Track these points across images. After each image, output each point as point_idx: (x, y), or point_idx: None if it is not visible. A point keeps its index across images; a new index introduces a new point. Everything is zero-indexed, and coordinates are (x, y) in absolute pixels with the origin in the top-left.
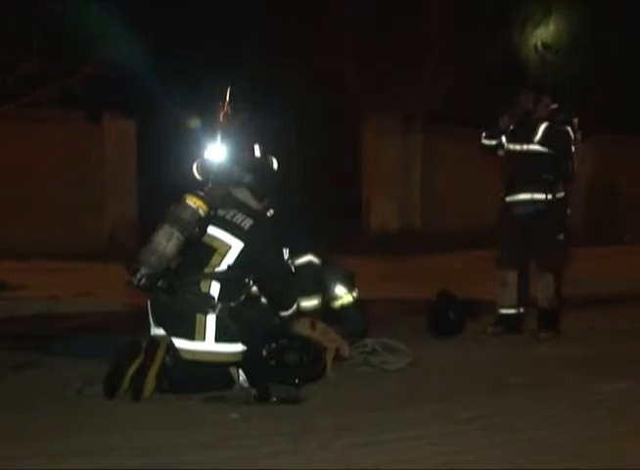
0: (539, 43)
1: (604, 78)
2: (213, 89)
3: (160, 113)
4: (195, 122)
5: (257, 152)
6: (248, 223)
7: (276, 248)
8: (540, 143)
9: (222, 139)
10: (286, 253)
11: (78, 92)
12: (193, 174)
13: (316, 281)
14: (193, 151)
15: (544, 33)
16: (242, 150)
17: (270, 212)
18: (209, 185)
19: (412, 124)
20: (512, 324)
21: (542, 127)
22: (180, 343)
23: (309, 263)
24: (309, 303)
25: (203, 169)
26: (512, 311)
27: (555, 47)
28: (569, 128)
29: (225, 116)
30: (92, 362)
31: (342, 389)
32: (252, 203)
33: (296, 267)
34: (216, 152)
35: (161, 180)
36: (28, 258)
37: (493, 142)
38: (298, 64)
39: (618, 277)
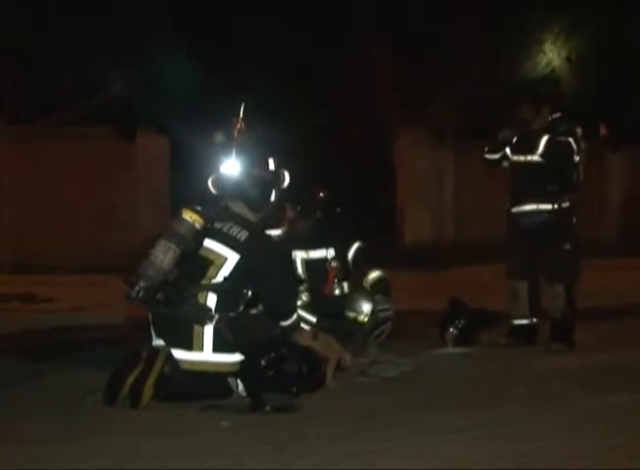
0: (572, 55)
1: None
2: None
3: (193, 129)
4: (219, 137)
5: (272, 166)
6: (243, 235)
7: (273, 259)
8: (542, 156)
9: (236, 154)
10: (331, 252)
11: (110, 110)
12: (209, 189)
13: (369, 261)
14: (214, 166)
15: (575, 45)
16: (253, 165)
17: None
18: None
19: (444, 138)
20: (526, 335)
21: (543, 140)
22: (179, 353)
23: (359, 249)
24: (374, 275)
25: (218, 184)
26: (525, 322)
27: (586, 59)
28: (570, 139)
29: (239, 131)
30: (101, 372)
31: (340, 398)
32: (249, 215)
33: (352, 258)
34: (231, 167)
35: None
36: (61, 272)
37: (496, 156)
38: (331, 79)
39: None
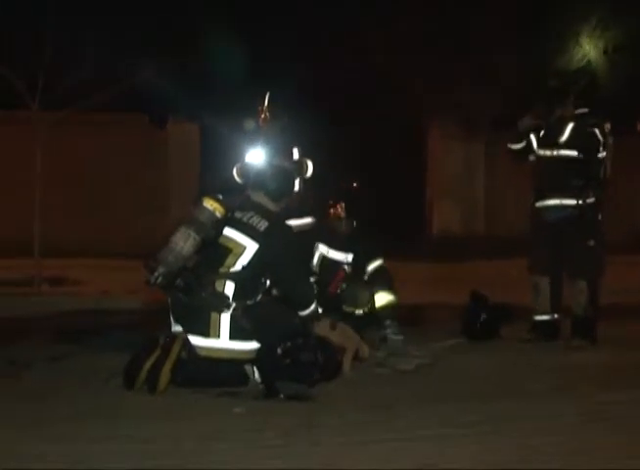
0: (609, 47)
1: None
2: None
3: (224, 116)
4: (249, 124)
5: (296, 155)
6: (263, 225)
7: (292, 249)
8: (567, 144)
9: (261, 144)
10: (349, 258)
11: (142, 96)
12: (234, 177)
13: (389, 280)
14: (241, 154)
15: (613, 36)
16: (276, 155)
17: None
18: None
19: (476, 129)
20: (547, 331)
21: (569, 128)
22: (196, 340)
23: (381, 266)
24: (387, 297)
25: (242, 173)
26: (546, 318)
27: (623, 51)
28: (596, 131)
29: (264, 120)
30: (123, 356)
31: (354, 388)
32: (270, 205)
33: (371, 272)
34: (255, 156)
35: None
36: (91, 256)
37: (519, 145)
38: (364, 68)
39: None
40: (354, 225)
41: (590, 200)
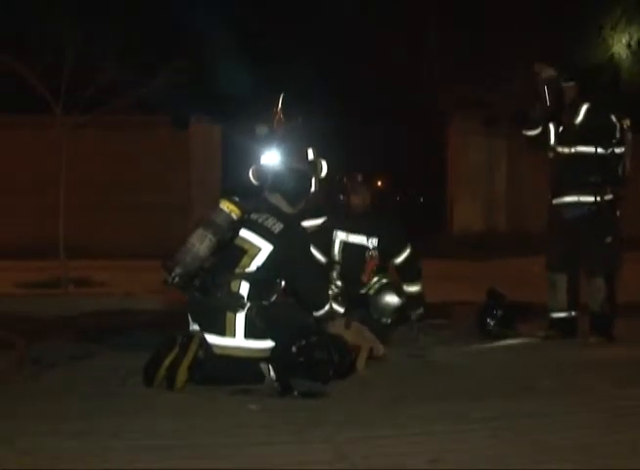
0: (633, 41)
1: None
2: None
3: (244, 118)
4: (262, 130)
5: (311, 156)
6: (278, 227)
7: (306, 251)
8: (581, 126)
9: (275, 145)
10: (373, 242)
11: (163, 98)
12: (250, 179)
13: (417, 270)
14: (257, 156)
15: (637, 29)
16: (291, 156)
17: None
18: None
19: (497, 125)
20: (565, 328)
21: (584, 108)
22: (212, 338)
23: (411, 255)
24: (413, 288)
25: (258, 175)
26: (563, 315)
27: None
28: (613, 117)
29: (279, 122)
30: (143, 354)
31: (367, 386)
32: (285, 207)
33: (401, 263)
34: (271, 158)
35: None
36: (115, 257)
37: (534, 132)
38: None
39: None
40: (371, 207)
41: (608, 196)
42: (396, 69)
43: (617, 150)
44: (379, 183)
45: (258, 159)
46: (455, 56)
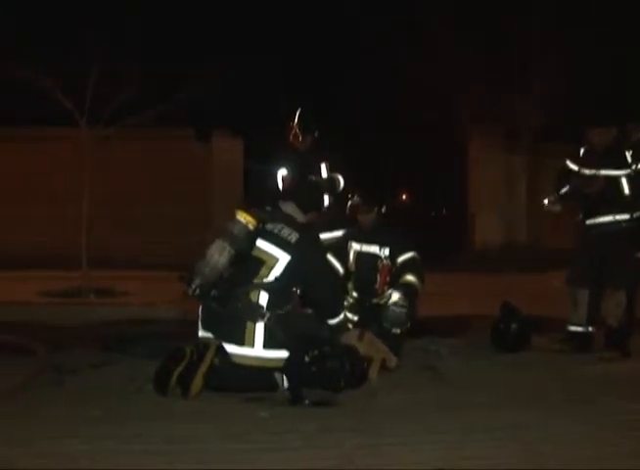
0: None
1: None
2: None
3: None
4: (255, 166)
5: (324, 172)
6: (294, 237)
7: (322, 259)
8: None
9: (292, 158)
10: (386, 252)
11: (185, 112)
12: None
13: (419, 270)
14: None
15: None
16: (305, 169)
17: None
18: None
19: (517, 140)
20: (580, 342)
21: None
22: (231, 348)
23: (413, 258)
24: (409, 278)
25: (276, 187)
26: (580, 329)
27: None
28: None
29: (295, 136)
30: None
31: (377, 395)
32: (299, 216)
33: (402, 262)
34: (287, 170)
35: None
36: (137, 267)
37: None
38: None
39: None
40: (381, 219)
41: (638, 213)
42: (415, 84)
43: None
44: (404, 197)
45: (277, 171)
46: (474, 71)
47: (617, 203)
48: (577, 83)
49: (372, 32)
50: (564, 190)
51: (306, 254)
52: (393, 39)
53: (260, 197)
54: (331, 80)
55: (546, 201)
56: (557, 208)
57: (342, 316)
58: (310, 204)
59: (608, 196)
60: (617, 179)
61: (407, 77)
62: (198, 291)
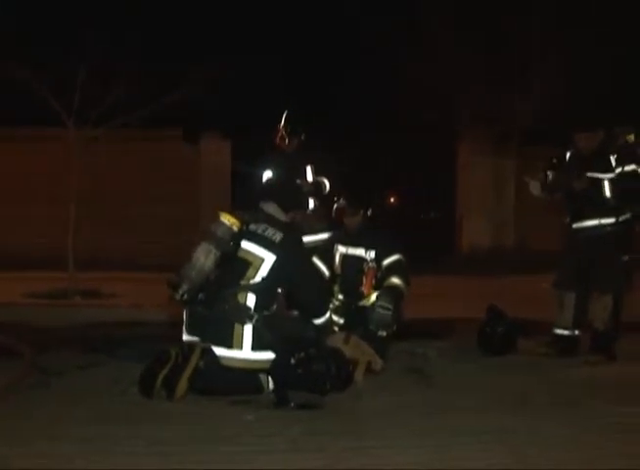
0: None
1: None
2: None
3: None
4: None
5: (309, 175)
6: (278, 237)
7: (306, 258)
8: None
9: (276, 162)
10: (371, 254)
11: (174, 113)
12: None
13: (404, 272)
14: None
15: None
16: (291, 172)
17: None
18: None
19: (506, 143)
20: (566, 345)
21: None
22: (219, 351)
23: (398, 261)
24: (395, 280)
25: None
26: (566, 333)
27: None
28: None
29: (281, 139)
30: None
31: (363, 397)
32: (281, 215)
33: (387, 265)
34: (271, 172)
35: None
36: (124, 269)
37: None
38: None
39: None
40: (367, 222)
41: (624, 216)
42: (411, 85)
43: (627, 168)
44: (392, 199)
45: (262, 173)
46: (474, 71)
47: (602, 207)
48: (577, 83)
49: (372, 32)
50: (550, 176)
51: (291, 253)
52: (393, 39)
53: (247, 198)
54: (331, 80)
55: (530, 180)
56: (537, 192)
57: (327, 316)
58: (290, 202)
59: (592, 197)
60: (600, 182)
61: (407, 77)
62: (185, 296)
